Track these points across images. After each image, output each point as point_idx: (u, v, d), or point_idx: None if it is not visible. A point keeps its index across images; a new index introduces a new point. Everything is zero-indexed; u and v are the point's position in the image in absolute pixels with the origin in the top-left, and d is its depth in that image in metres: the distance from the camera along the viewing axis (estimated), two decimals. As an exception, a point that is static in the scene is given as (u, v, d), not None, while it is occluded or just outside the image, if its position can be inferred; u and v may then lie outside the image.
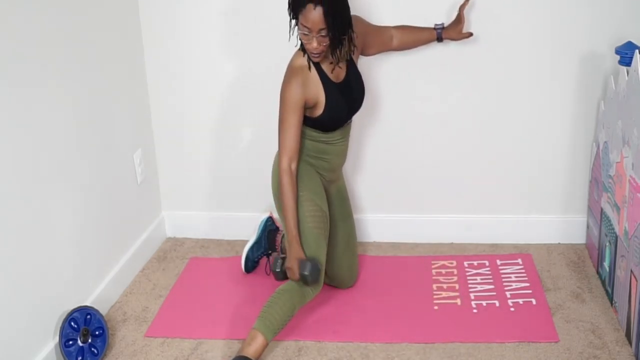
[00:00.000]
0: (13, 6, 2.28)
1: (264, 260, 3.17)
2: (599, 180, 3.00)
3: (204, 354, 2.63)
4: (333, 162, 2.84)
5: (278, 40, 3.14)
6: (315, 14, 2.47)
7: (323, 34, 2.51)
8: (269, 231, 3.13)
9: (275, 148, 2.88)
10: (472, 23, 3.05)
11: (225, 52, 3.21)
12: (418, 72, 3.13)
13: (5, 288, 2.28)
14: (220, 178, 3.42)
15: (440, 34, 2.95)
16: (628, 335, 2.59)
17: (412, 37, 2.97)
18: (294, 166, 2.64)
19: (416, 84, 3.14)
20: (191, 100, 3.30)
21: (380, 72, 3.13)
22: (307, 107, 2.65)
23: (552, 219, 3.30)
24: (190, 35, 3.20)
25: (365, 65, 3.05)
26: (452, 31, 2.94)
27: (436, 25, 2.96)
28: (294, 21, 2.58)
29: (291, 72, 2.62)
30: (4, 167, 2.26)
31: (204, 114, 3.31)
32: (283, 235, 3.11)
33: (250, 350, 2.51)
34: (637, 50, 2.55)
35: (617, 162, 2.73)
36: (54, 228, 2.55)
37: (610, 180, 2.83)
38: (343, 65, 2.72)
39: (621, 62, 2.75)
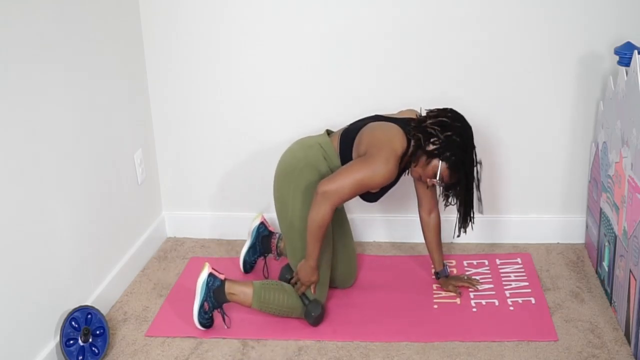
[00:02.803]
0: (12, 7, 2.28)
1: (261, 261, 3.18)
2: (598, 180, 3.00)
3: (204, 354, 2.63)
4: None
5: (278, 41, 3.15)
6: (453, 178, 2.60)
7: (439, 184, 2.63)
8: (263, 237, 3.13)
9: (275, 145, 2.89)
10: (472, 23, 3.06)
11: (225, 52, 3.21)
12: (418, 73, 3.13)
13: (6, 288, 2.28)
14: (220, 178, 3.42)
15: (438, 276, 2.99)
16: (627, 334, 2.59)
17: (430, 235, 2.95)
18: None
19: (416, 84, 3.14)
20: (191, 101, 3.30)
21: (382, 74, 3.15)
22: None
23: (551, 219, 3.31)
24: (190, 35, 3.20)
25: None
26: (446, 281, 2.96)
27: (446, 265, 3.00)
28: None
29: (395, 156, 2.58)
30: (5, 168, 2.26)
31: (204, 114, 3.32)
32: (279, 237, 3.11)
33: (235, 288, 2.72)
34: (636, 51, 2.56)
35: (616, 162, 2.74)
36: (55, 228, 2.55)
37: (609, 180, 2.83)
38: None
39: (620, 63, 2.76)
